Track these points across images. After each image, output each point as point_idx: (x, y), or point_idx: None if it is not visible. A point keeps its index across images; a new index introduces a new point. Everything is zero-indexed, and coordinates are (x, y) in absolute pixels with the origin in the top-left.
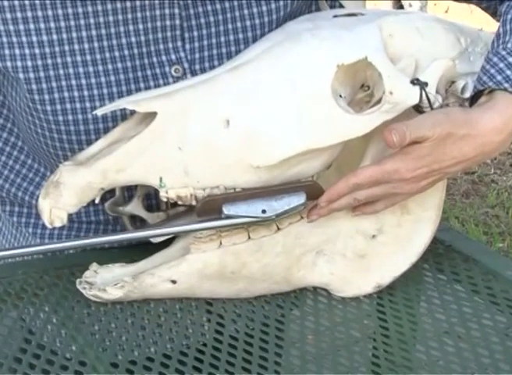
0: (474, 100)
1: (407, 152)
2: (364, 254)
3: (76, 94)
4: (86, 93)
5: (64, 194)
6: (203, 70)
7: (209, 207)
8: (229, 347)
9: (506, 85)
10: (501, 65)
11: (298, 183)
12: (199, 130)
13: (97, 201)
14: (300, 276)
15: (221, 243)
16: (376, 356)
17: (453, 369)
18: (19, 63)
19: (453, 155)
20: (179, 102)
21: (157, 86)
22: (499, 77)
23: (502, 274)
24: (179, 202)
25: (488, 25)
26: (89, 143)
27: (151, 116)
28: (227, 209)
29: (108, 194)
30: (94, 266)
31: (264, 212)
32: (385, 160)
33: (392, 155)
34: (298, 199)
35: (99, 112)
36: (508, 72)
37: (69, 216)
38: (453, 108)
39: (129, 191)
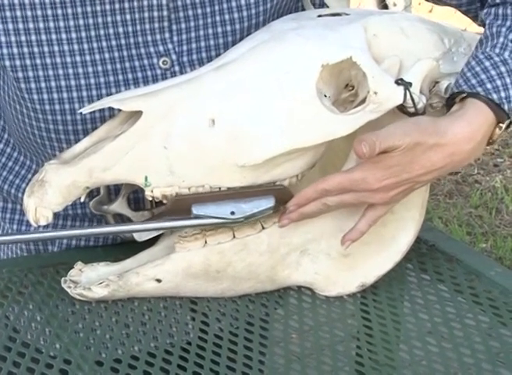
0: (450, 105)
1: (376, 162)
2: (348, 253)
3: (62, 83)
4: (73, 82)
5: (49, 193)
6: (191, 62)
7: (178, 207)
8: (214, 346)
9: (479, 89)
10: (477, 68)
11: (268, 187)
12: (184, 130)
13: (82, 200)
14: (285, 275)
15: (206, 242)
16: (360, 355)
17: (436, 369)
18: (4, 50)
19: (422, 164)
20: (165, 101)
21: (144, 77)
22: (473, 81)
23: (485, 274)
24: (165, 201)
25: (472, 25)
26: (75, 133)
27: (136, 114)
28: (196, 209)
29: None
30: (79, 264)
31: (232, 213)
32: (354, 168)
33: (361, 164)
34: (267, 203)
35: (84, 110)
36: (483, 76)
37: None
38: (423, 118)
39: (118, 190)
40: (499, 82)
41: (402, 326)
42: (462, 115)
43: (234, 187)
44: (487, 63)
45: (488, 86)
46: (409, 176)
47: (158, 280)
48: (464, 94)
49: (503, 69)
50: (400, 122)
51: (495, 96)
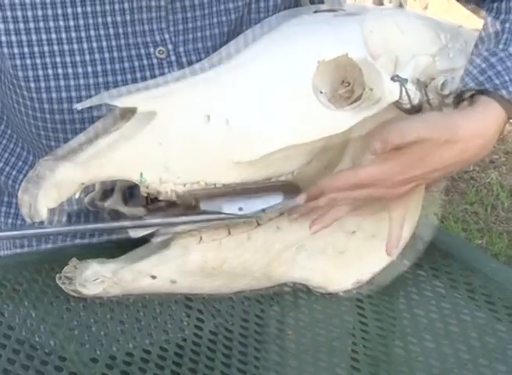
0: (458, 101)
1: (386, 158)
2: (344, 250)
3: (60, 71)
4: (70, 70)
5: (44, 189)
6: (187, 52)
7: (187, 202)
8: (209, 342)
9: (487, 85)
10: (483, 65)
11: (275, 183)
12: (179, 126)
13: (77, 196)
14: (281, 271)
15: (201, 238)
16: (356, 352)
17: (432, 365)
18: (3, 38)
19: (433, 161)
20: (160, 98)
21: (141, 66)
22: (480, 78)
23: (480, 270)
24: (160, 198)
25: (467, 22)
26: (71, 122)
27: (131, 111)
28: (204, 205)
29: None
30: (74, 261)
31: (241, 209)
32: (364, 165)
33: (371, 161)
34: (275, 199)
35: (80, 106)
36: (490, 72)
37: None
38: (434, 114)
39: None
40: (506, 77)
41: (398, 323)
42: (472, 112)
43: (242, 183)
44: (492, 60)
45: (496, 82)
46: (419, 173)
47: (153, 277)
48: (473, 92)
49: (509, 64)
50: (412, 118)
51: (504, 91)
